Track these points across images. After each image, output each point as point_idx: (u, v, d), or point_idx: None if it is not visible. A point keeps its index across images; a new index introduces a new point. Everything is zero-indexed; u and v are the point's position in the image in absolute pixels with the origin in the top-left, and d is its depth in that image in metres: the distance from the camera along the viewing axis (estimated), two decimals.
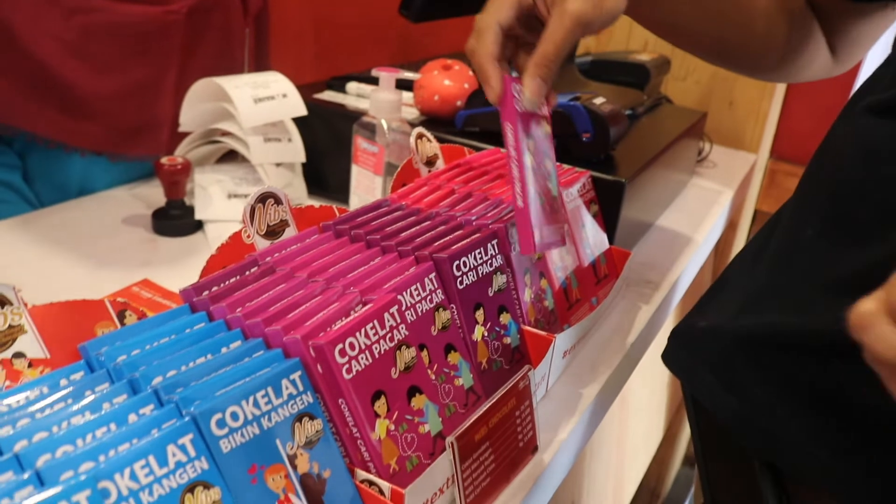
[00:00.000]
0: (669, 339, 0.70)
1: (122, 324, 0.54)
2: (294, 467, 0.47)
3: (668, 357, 0.70)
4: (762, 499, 0.60)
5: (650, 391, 1.55)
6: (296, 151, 0.99)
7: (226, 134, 0.99)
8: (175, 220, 0.93)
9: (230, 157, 1.08)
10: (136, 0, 0.98)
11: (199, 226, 0.95)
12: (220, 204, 0.95)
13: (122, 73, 1.00)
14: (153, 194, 1.04)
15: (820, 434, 0.56)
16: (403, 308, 0.57)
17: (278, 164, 0.99)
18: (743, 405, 0.60)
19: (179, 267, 0.87)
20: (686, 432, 2.12)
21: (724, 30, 0.78)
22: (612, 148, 0.97)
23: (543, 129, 0.70)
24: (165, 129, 1.06)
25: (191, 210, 0.95)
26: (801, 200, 0.65)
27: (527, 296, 0.71)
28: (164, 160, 0.91)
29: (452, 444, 0.52)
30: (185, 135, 1.02)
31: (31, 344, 0.49)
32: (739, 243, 1.82)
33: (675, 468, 2.19)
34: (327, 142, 1.05)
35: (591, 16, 0.63)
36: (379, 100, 0.88)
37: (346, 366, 0.50)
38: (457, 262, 0.62)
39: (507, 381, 0.59)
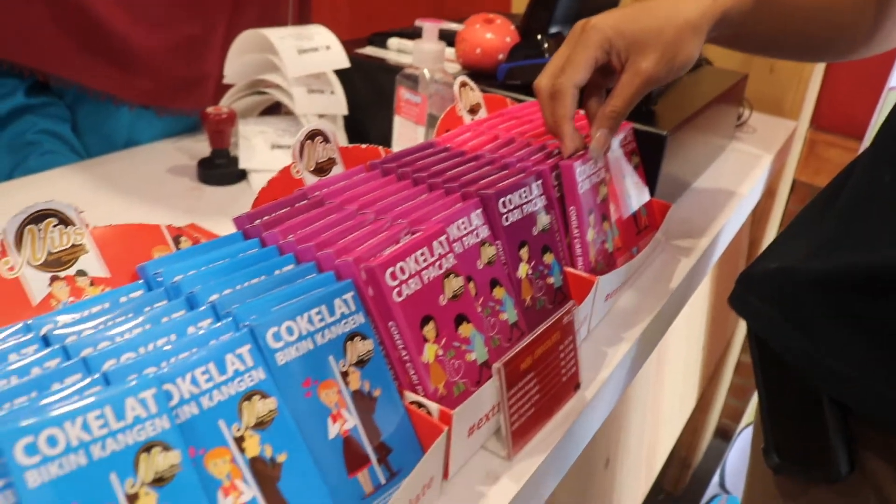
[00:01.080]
0: (737, 282, 0.71)
1: (178, 248, 0.55)
2: (346, 384, 0.49)
3: (736, 299, 0.71)
4: (828, 439, 0.60)
5: (685, 355, 1.55)
6: (338, 103, 1.00)
7: (269, 85, 1.00)
8: (220, 168, 0.95)
9: (272, 111, 1.10)
10: None
11: (242, 175, 0.97)
12: (263, 154, 0.96)
13: (173, 28, 1.02)
14: (197, 147, 1.06)
15: (892, 374, 0.56)
16: (451, 239, 0.58)
17: (321, 116, 1.00)
18: (814, 344, 0.60)
19: (224, 214, 0.89)
20: (719, 403, 2.12)
21: (810, 34, 0.76)
22: (653, 103, 0.97)
23: (601, 193, 0.76)
24: (211, 83, 1.07)
25: (235, 160, 0.96)
26: (878, 150, 0.65)
27: (590, 235, 0.72)
28: (209, 109, 0.93)
29: (500, 369, 0.53)
30: (228, 90, 1.04)
31: (92, 263, 0.51)
32: (777, 211, 1.81)
33: (706, 439, 2.19)
34: (368, 96, 1.05)
35: (662, 75, 0.68)
36: (422, 50, 0.88)
37: (397, 289, 0.51)
38: (503, 199, 0.63)
39: (553, 315, 0.59)
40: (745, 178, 1.21)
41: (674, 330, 0.91)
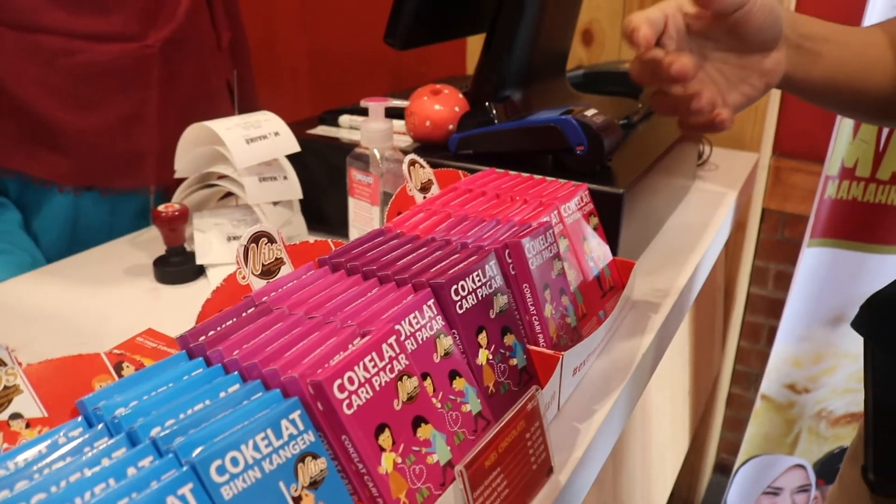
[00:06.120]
0: (862, 307, 0.70)
1: (120, 375, 0.54)
2: None
3: (860, 323, 0.70)
4: None
5: (671, 399, 1.53)
6: (292, 189, 0.99)
7: (221, 177, 0.99)
8: (176, 266, 0.93)
9: (228, 199, 1.08)
10: (113, 39, 1.03)
11: (201, 271, 0.95)
12: (220, 247, 0.95)
13: (107, 109, 1.05)
14: (154, 243, 1.04)
15: None
16: (402, 338, 0.56)
17: (276, 203, 0.98)
18: None
19: (183, 314, 0.87)
20: (715, 438, 2.09)
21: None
22: (608, 158, 0.96)
23: (556, 268, 0.74)
24: (151, 159, 1.10)
25: (191, 256, 0.95)
26: None
27: (547, 311, 0.70)
28: (161, 208, 0.91)
29: (462, 472, 0.51)
30: (173, 165, 1.03)
31: (27, 404, 0.49)
32: (749, 243, 1.80)
33: (706, 476, 2.15)
34: (324, 177, 1.04)
35: None
36: (370, 130, 0.87)
37: (347, 401, 0.49)
38: (455, 287, 0.61)
39: (516, 403, 0.58)
40: (711, 217, 1.21)
41: (657, 376, 0.89)
